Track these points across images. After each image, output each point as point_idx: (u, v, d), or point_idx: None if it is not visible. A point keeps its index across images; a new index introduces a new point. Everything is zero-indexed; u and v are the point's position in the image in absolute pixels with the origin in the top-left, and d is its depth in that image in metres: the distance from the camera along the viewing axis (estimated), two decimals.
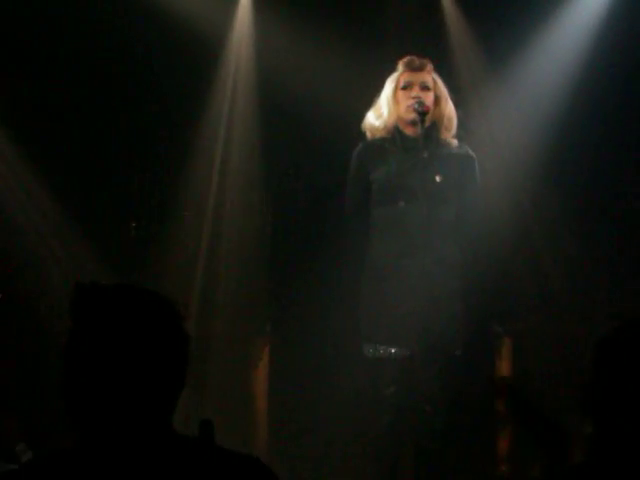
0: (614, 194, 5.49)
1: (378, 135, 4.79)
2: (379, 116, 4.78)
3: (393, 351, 4.58)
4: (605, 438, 2.17)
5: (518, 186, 5.53)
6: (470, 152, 4.82)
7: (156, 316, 2.07)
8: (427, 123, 4.69)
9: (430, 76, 4.77)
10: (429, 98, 4.73)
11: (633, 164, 5.50)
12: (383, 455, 4.63)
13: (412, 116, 4.68)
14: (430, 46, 5.45)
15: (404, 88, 4.74)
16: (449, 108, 4.78)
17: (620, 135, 5.47)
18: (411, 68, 4.77)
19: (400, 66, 4.80)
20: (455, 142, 4.80)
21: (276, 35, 5.60)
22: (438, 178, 4.67)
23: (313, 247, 5.55)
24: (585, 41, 5.52)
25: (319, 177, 5.57)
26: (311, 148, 5.57)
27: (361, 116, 4.85)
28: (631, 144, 5.48)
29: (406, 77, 4.76)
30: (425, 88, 4.74)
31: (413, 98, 4.68)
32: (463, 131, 4.88)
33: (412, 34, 5.67)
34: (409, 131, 4.72)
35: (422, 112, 4.64)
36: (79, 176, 5.45)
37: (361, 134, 4.84)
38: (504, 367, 5.36)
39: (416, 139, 4.67)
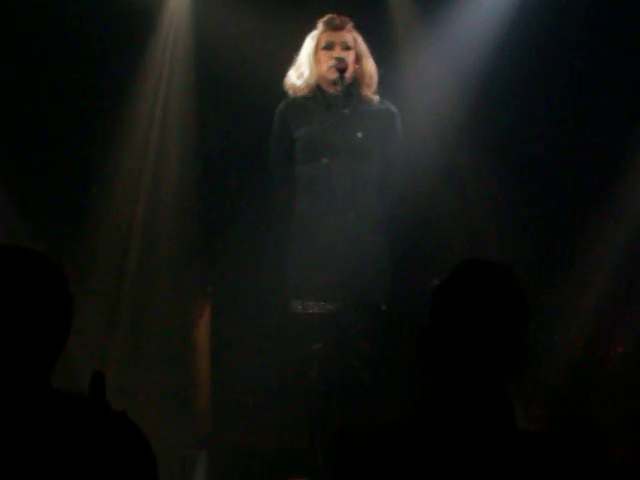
0: (537, 148, 5.55)
1: (300, 94, 4.84)
2: (300, 75, 4.84)
3: (319, 307, 4.67)
4: (440, 384, 2.23)
5: (449, 139, 5.58)
6: (392, 108, 4.89)
7: (34, 275, 2.11)
8: (348, 81, 4.74)
9: (350, 35, 4.82)
10: (350, 57, 4.78)
11: (557, 118, 5.55)
12: (312, 408, 4.72)
13: (334, 76, 4.73)
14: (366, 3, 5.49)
15: (325, 48, 4.80)
16: (370, 65, 4.84)
17: (540, 90, 5.51)
18: (331, 27, 4.82)
19: (320, 25, 4.85)
20: (376, 98, 4.86)
21: (214, 5, 5.62)
22: (360, 134, 4.73)
23: (245, 205, 5.62)
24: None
25: (248, 137, 5.61)
26: (242, 109, 5.60)
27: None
28: (556, 96, 5.53)
29: (327, 36, 4.81)
30: (346, 47, 4.79)
31: (334, 58, 4.73)
32: (384, 88, 4.93)
33: None
34: (331, 89, 4.78)
35: (342, 70, 4.69)
36: (10, 153, 5.49)
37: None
38: None
39: (337, 97, 4.73)
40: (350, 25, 4.83)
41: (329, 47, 4.79)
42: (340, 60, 4.72)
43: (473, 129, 5.54)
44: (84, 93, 5.54)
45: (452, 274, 2.25)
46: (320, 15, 4.98)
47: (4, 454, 2.03)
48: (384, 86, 4.90)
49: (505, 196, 5.54)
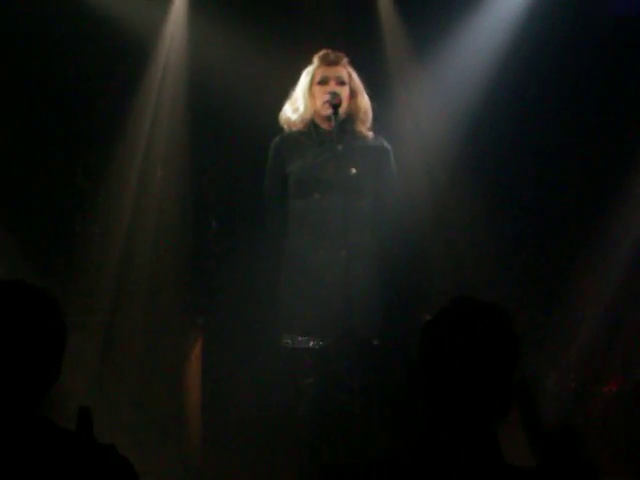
0: (529, 183, 5.59)
1: (295, 128, 4.85)
2: (295, 110, 4.85)
3: (310, 342, 4.66)
4: (430, 421, 2.23)
5: (438, 176, 5.61)
6: (385, 144, 4.89)
7: (30, 308, 2.16)
8: (342, 116, 4.75)
9: (345, 70, 4.83)
10: (344, 92, 4.79)
11: (548, 154, 5.60)
12: (302, 443, 4.70)
13: (328, 111, 4.74)
14: (359, 34, 5.53)
15: (320, 83, 4.80)
16: (364, 101, 4.85)
17: (535, 125, 5.56)
18: (326, 62, 4.83)
19: (315, 60, 4.86)
20: (370, 134, 4.87)
21: (207, 33, 5.65)
22: (353, 170, 4.74)
23: (237, 238, 5.64)
24: (507, 32, 5.62)
25: (241, 171, 5.64)
26: (234, 143, 5.64)
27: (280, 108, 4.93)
28: (546, 134, 5.57)
29: (322, 72, 4.82)
30: (341, 83, 4.80)
31: (329, 93, 4.74)
32: (379, 124, 4.93)
33: (340, 25, 5.73)
34: (325, 125, 4.79)
35: (336, 105, 4.70)
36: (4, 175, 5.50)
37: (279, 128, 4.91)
38: None
39: (331, 132, 4.72)
40: (345, 60, 4.86)
41: (324, 82, 4.80)
42: (334, 95, 4.73)
43: (463, 166, 5.57)
44: (79, 123, 5.58)
45: (442, 311, 2.26)
46: (315, 50, 5.01)
47: None
48: (378, 122, 4.91)
49: (495, 234, 5.56)
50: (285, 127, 4.88)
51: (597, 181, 5.53)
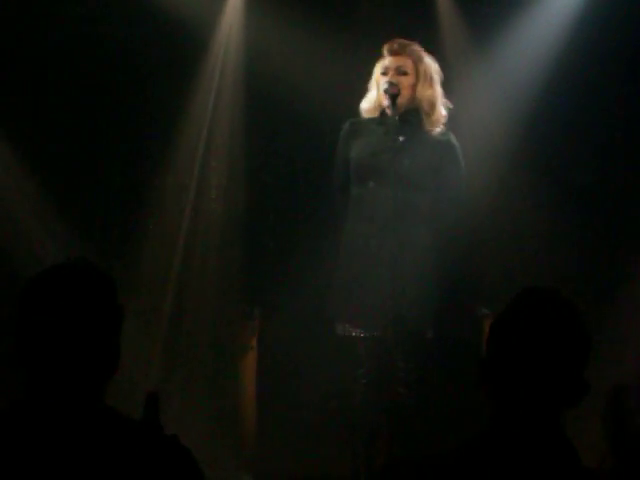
0: (583, 175, 5.53)
1: (366, 115, 4.83)
2: (367, 100, 4.83)
3: (362, 331, 4.64)
4: (498, 410, 2.21)
5: (503, 169, 5.56)
6: (452, 140, 4.79)
7: (87, 289, 2.13)
8: (402, 107, 4.70)
9: (409, 59, 4.76)
10: (405, 82, 4.73)
11: (605, 147, 5.53)
12: (357, 433, 4.69)
13: (386, 101, 4.70)
14: (419, 29, 5.48)
15: (382, 73, 4.77)
16: (430, 92, 4.77)
17: (591, 122, 5.50)
18: (390, 52, 4.79)
19: (384, 50, 4.82)
20: (438, 128, 4.78)
21: (264, 25, 5.64)
22: (408, 162, 4.67)
23: (293, 225, 5.64)
24: (565, 26, 5.56)
25: (299, 158, 5.64)
26: (295, 130, 5.64)
27: (344, 98, 4.93)
28: (602, 131, 5.51)
29: (385, 62, 4.79)
30: (402, 73, 4.74)
31: (386, 83, 4.70)
32: (450, 121, 4.84)
33: (400, 17, 5.70)
34: (389, 113, 4.72)
35: (392, 95, 4.67)
36: (65, 170, 5.53)
37: (344, 116, 4.90)
38: None
39: (394, 122, 4.68)
40: (412, 49, 4.78)
41: (385, 72, 4.77)
42: (391, 85, 4.69)
43: (524, 158, 5.52)
44: (136, 112, 5.62)
45: (512, 305, 2.23)
46: (373, 41, 5.00)
47: (58, 473, 2.04)
48: (450, 118, 4.82)
49: (557, 224, 5.50)
50: (361, 113, 4.85)
51: None
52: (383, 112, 4.76)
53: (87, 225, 5.52)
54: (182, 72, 5.64)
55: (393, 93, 4.67)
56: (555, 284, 5.19)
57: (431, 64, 4.82)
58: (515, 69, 5.57)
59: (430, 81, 4.79)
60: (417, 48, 4.81)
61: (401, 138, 4.68)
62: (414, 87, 4.76)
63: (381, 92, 4.74)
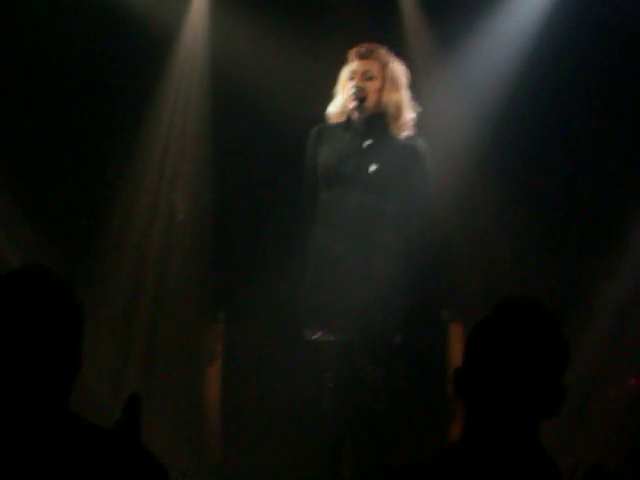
0: (556, 180, 5.55)
1: (334, 121, 4.80)
2: (334, 105, 4.81)
3: (331, 336, 4.62)
4: (474, 421, 2.20)
5: (465, 173, 5.57)
6: (420, 144, 4.75)
7: (44, 292, 2.11)
8: (368, 111, 4.67)
9: (376, 64, 4.74)
10: (371, 86, 4.70)
11: (573, 150, 5.56)
12: (325, 438, 4.67)
13: (353, 105, 4.67)
14: (384, 32, 5.48)
15: (349, 77, 4.74)
16: (397, 97, 4.74)
17: (560, 123, 5.52)
18: (357, 57, 4.76)
19: (350, 55, 4.79)
20: (405, 133, 4.75)
21: (230, 26, 5.62)
22: (373, 167, 4.64)
23: (265, 229, 5.62)
24: (534, 28, 5.57)
25: (265, 161, 5.61)
26: (262, 135, 5.61)
27: (311, 103, 4.90)
28: (571, 131, 5.54)
29: (352, 66, 4.76)
30: (368, 77, 4.72)
31: (353, 87, 4.67)
32: (418, 125, 4.81)
33: (365, 23, 5.69)
34: (355, 118, 4.70)
35: (360, 99, 4.65)
36: (29, 176, 5.48)
37: (311, 121, 4.87)
38: (455, 353, 5.39)
39: (360, 126, 4.66)
40: (379, 53, 4.76)
41: (351, 77, 4.74)
42: (358, 90, 4.66)
43: (489, 164, 5.54)
44: (102, 115, 5.57)
45: (490, 314, 2.22)
46: (337, 44, 5.00)
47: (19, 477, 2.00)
48: (418, 122, 4.80)
49: (526, 229, 5.52)
50: (328, 118, 4.82)
51: (623, 180, 5.49)
52: (349, 117, 4.72)
53: (51, 231, 5.45)
54: (147, 75, 5.61)
55: (360, 97, 4.65)
56: (523, 290, 5.24)
57: (398, 68, 4.79)
58: (483, 73, 5.60)
59: (397, 85, 4.76)
60: (384, 52, 4.79)
61: (367, 143, 4.66)
62: (381, 91, 4.73)
63: (348, 97, 4.72)
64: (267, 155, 5.62)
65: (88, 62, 5.57)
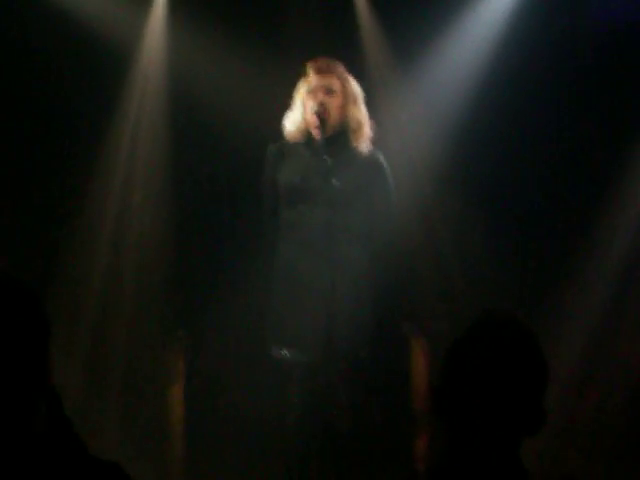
0: (516, 193, 5.55)
1: (291, 138, 4.77)
2: (291, 120, 4.76)
3: (296, 354, 4.59)
4: (453, 440, 2.17)
5: (423, 186, 5.56)
6: (381, 159, 4.77)
7: (7, 302, 2.01)
8: (331, 128, 4.66)
9: (337, 79, 4.72)
10: (333, 102, 4.68)
11: (537, 163, 5.56)
12: (289, 455, 4.64)
13: (315, 121, 4.65)
14: (341, 46, 5.46)
15: (309, 92, 4.71)
16: (358, 112, 4.73)
17: (524, 134, 5.52)
18: (317, 71, 4.72)
19: (308, 69, 4.76)
20: (366, 148, 4.74)
21: (188, 38, 5.56)
22: (338, 183, 4.62)
23: (224, 247, 5.57)
24: (490, 40, 5.57)
25: (226, 179, 5.57)
26: (220, 152, 5.56)
27: (269, 119, 4.86)
28: (535, 142, 5.54)
29: (312, 81, 4.71)
30: (330, 92, 4.69)
31: (316, 103, 4.65)
32: (376, 138, 4.82)
33: (324, 35, 5.66)
34: (316, 135, 4.69)
35: (322, 116, 4.62)
36: None
37: (269, 137, 4.84)
38: (418, 367, 5.37)
39: (322, 143, 4.64)
40: (339, 69, 4.74)
41: (312, 91, 4.70)
42: (320, 105, 4.64)
43: (450, 176, 5.53)
44: (59, 122, 5.49)
45: (468, 331, 2.19)
46: (296, 56, 4.96)
47: None
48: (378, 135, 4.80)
49: (483, 245, 5.52)
50: (285, 136, 4.78)
51: (593, 184, 5.51)
52: (309, 133, 4.71)
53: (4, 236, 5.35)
54: (106, 82, 5.51)
55: (322, 114, 4.62)
56: (484, 302, 5.25)
57: (355, 84, 4.79)
58: (443, 81, 5.56)
59: (357, 100, 4.75)
60: (342, 68, 4.78)
61: (329, 159, 4.63)
62: (342, 107, 4.71)
63: (309, 113, 4.68)
64: (227, 169, 5.57)
65: (48, 70, 5.48)
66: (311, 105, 4.67)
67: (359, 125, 4.73)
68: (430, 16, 5.56)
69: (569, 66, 5.51)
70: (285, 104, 4.79)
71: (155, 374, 5.48)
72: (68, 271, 5.48)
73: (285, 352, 4.62)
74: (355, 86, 4.76)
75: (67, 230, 5.51)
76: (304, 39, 5.65)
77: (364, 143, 4.74)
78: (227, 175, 5.58)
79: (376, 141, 4.81)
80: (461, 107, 5.52)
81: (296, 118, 4.74)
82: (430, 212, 5.59)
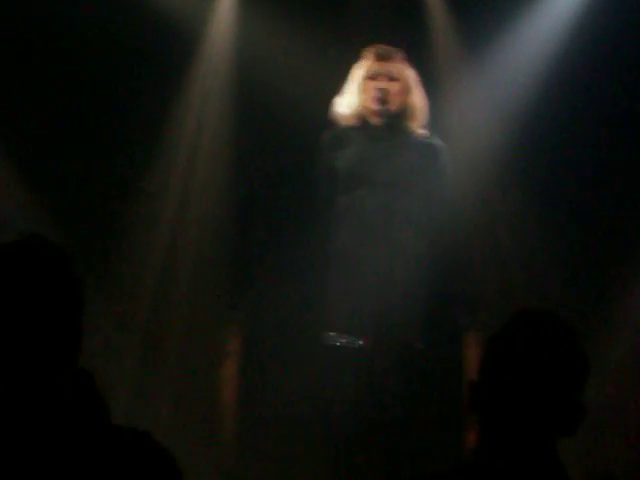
0: (580, 188, 5.47)
1: (345, 123, 4.79)
2: (346, 105, 4.79)
3: (351, 341, 4.59)
4: (489, 437, 2.15)
5: (486, 176, 5.50)
6: (439, 143, 4.79)
7: (40, 264, 2.01)
8: (392, 112, 4.69)
9: (398, 66, 4.76)
10: (395, 88, 4.72)
11: (600, 158, 5.47)
12: (339, 444, 4.64)
13: (377, 107, 4.68)
14: (408, 31, 5.43)
15: (370, 78, 4.74)
16: (417, 98, 4.77)
17: (589, 129, 5.43)
18: (378, 57, 4.77)
19: (367, 55, 4.80)
20: (423, 132, 4.78)
21: (256, 28, 5.56)
22: (398, 167, 4.66)
23: (281, 233, 5.57)
24: (561, 32, 5.48)
25: (288, 165, 5.57)
26: (282, 139, 5.56)
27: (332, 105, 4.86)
28: (600, 137, 5.44)
29: (373, 66, 4.75)
30: (392, 78, 4.73)
31: (378, 89, 4.68)
32: (434, 123, 4.85)
33: (389, 22, 5.63)
34: (375, 120, 4.73)
35: (384, 102, 4.64)
36: (50, 165, 5.45)
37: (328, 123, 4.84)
38: (472, 360, 5.33)
39: (380, 128, 4.69)
40: (398, 56, 4.78)
41: (374, 77, 4.74)
42: (383, 91, 4.67)
43: (514, 169, 5.46)
44: (122, 113, 5.54)
45: (506, 326, 2.17)
46: (363, 45, 4.93)
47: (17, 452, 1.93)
48: (434, 121, 4.83)
49: (544, 240, 5.45)
50: (336, 121, 4.80)
51: None
52: (364, 118, 4.73)
53: (70, 222, 5.41)
54: (171, 73, 5.55)
55: (385, 99, 4.65)
56: (544, 297, 5.18)
57: (412, 70, 4.82)
58: (509, 75, 5.49)
59: (416, 86, 4.79)
60: (401, 54, 4.81)
61: (388, 143, 4.68)
62: (403, 93, 4.73)
63: (371, 98, 4.69)
64: (288, 155, 5.57)
65: (112, 62, 5.51)
66: (372, 91, 4.69)
67: (417, 110, 4.76)
68: (501, 6, 5.50)
69: None
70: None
71: (210, 355, 5.51)
72: (129, 250, 5.53)
73: (340, 338, 4.63)
74: (413, 73, 4.79)
75: (130, 208, 5.55)
76: (371, 26, 5.62)
77: (421, 128, 4.77)
78: (290, 159, 5.58)
79: (440, 127, 4.83)
80: (527, 98, 5.44)
81: (352, 103, 4.76)
82: (491, 204, 5.53)
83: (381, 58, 4.74)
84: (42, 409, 1.97)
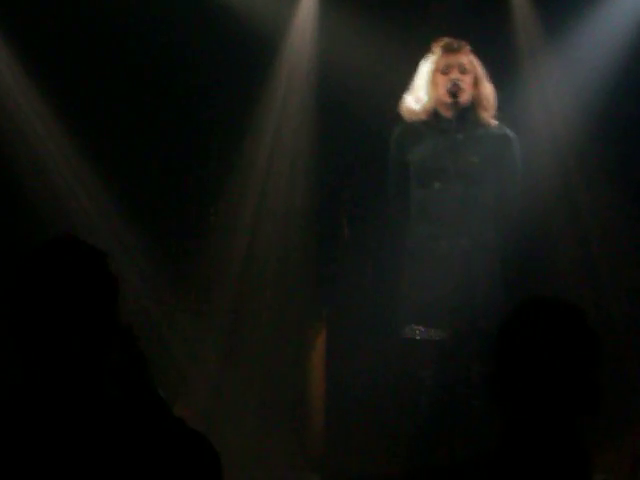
0: None
1: (416, 118, 4.82)
2: (417, 99, 4.81)
3: (429, 333, 4.63)
4: (510, 425, 2.19)
5: (569, 166, 5.46)
6: (509, 132, 4.81)
7: (75, 263, 2.13)
8: (463, 104, 4.71)
9: (467, 58, 4.78)
10: (467, 80, 4.74)
11: None
12: (421, 435, 4.68)
13: (450, 99, 4.70)
14: (488, 21, 5.42)
15: (442, 71, 4.76)
16: (487, 89, 4.79)
17: None
18: (448, 50, 4.79)
19: (437, 48, 4.81)
20: (494, 123, 4.81)
21: (336, 27, 5.63)
22: (472, 159, 4.69)
23: (362, 228, 5.63)
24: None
25: (366, 160, 5.61)
26: (365, 137, 5.61)
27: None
28: None
29: (443, 60, 4.77)
30: (463, 71, 4.75)
31: (451, 81, 4.70)
32: (509, 114, 4.88)
33: (472, 11, 5.63)
34: (447, 113, 4.74)
35: (456, 94, 4.66)
36: (135, 172, 5.63)
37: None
38: None
39: (452, 121, 4.70)
40: (467, 48, 4.80)
41: (445, 70, 4.75)
42: (456, 83, 4.68)
43: (598, 160, 5.40)
44: (204, 113, 5.67)
45: (514, 316, 2.22)
46: (437, 39, 4.96)
47: (62, 460, 2.04)
48: (505, 112, 4.83)
49: (623, 223, 5.36)
50: (406, 116, 4.85)
51: None
52: (435, 111, 4.76)
53: (150, 221, 5.57)
54: (253, 73, 5.65)
55: (458, 91, 4.67)
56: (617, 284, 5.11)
57: (479, 61, 4.83)
58: (592, 60, 5.45)
59: (485, 77, 4.80)
60: (468, 46, 4.82)
61: (460, 135, 4.69)
62: (474, 84, 4.76)
63: (444, 92, 4.71)
64: (370, 152, 5.61)
65: (194, 65, 5.65)
66: (444, 84, 4.72)
67: (488, 101, 4.78)
68: None
69: None
70: None
71: (297, 350, 5.60)
72: (213, 248, 5.66)
73: (419, 331, 4.66)
74: (480, 64, 4.80)
75: (212, 207, 5.68)
76: (452, 18, 5.63)
77: (491, 118, 4.79)
78: (371, 157, 5.63)
79: (521, 120, 4.81)
80: (609, 87, 5.39)
81: (422, 97, 4.79)
82: (575, 192, 5.48)
83: (451, 51, 4.77)
84: (78, 397, 2.09)
